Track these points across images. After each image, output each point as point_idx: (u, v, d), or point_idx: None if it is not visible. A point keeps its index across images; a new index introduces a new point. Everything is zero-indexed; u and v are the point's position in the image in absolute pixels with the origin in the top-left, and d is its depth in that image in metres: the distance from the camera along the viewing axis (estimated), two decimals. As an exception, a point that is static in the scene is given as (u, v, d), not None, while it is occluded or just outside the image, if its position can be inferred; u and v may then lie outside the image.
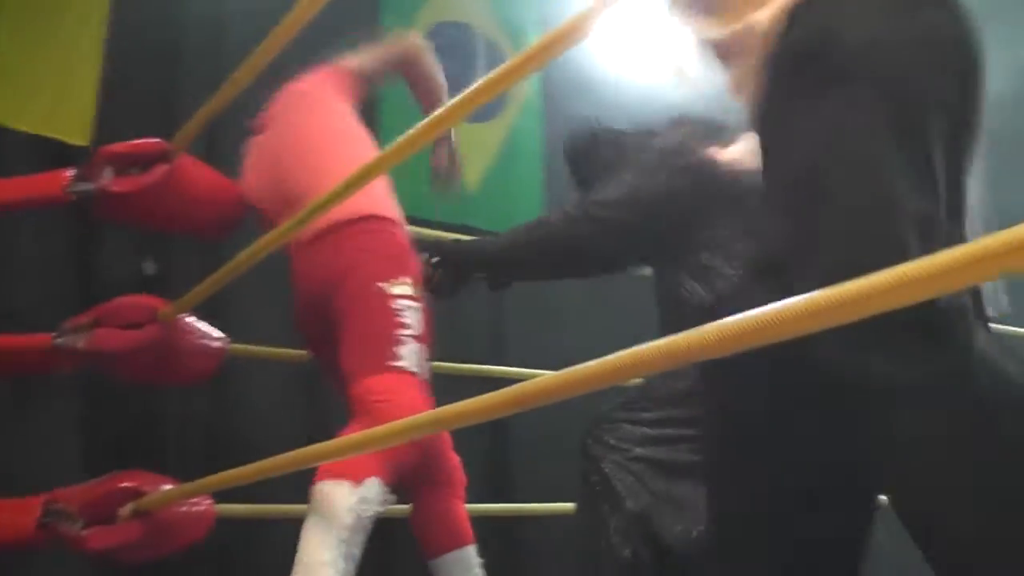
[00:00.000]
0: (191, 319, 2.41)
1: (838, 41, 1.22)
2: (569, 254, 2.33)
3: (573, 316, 3.73)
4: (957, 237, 1.19)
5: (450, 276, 2.42)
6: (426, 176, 3.43)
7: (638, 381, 2.33)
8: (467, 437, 2.42)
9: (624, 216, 2.22)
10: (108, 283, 2.70)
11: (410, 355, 2.10)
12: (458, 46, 3.80)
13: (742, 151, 2.22)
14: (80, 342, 2.26)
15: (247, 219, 2.52)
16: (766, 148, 1.31)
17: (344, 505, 1.89)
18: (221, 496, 2.34)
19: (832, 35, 1.23)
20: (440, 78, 2.68)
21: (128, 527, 2.14)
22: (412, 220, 3.05)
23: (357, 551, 1.91)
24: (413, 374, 2.09)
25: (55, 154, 2.73)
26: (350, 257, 2.21)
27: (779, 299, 0.83)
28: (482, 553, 2.38)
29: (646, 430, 2.11)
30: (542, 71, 3.47)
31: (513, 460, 3.46)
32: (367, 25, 3.54)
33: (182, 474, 2.36)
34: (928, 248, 0.99)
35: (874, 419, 1.12)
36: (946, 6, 1.26)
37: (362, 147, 2.39)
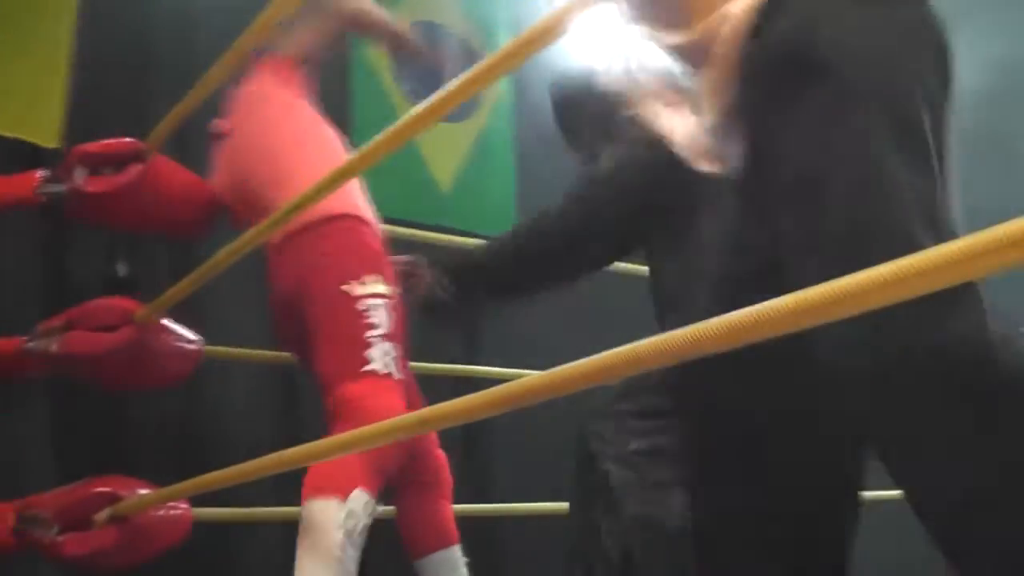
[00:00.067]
0: (166, 321, 2.38)
1: (821, 37, 1.22)
2: (575, 234, 2.25)
3: (548, 315, 3.73)
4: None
5: (449, 288, 2.34)
6: (399, 176, 3.44)
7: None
8: (446, 437, 2.42)
9: (625, 182, 2.16)
10: (79, 285, 2.67)
11: (381, 356, 2.08)
12: (431, 46, 3.79)
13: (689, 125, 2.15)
14: (53, 345, 2.23)
15: (220, 220, 2.49)
16: (755, 148, 1.31)
17: (333, 523, 1.88)
18: (198, 500, 2.32)
19: (814, 31, 1.23)
20: (390, 19, 2.61)
21: (104, 533, 2.12)
22: (386, 220, 3.05)
23: (353, 566, 1.90)
24: (386, 376, 2.07)
25: (26, 156, 2.69)
26: (314, 261, 2.19)
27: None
28: (463, 554, 2.37)
29: (644, 420, 2.09)
30: (513, 71, 3.47)
31: (492, 460, 3.46)
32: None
33: (157, 478, 2.34)
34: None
35: (886, 392, 1.12)
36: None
37: (324, 147, 2.37)
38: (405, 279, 2.32)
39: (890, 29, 1.24)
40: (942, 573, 1.13)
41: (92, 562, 2.12)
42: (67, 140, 2.67)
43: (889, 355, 1.08)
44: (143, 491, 2.21)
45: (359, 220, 2.27)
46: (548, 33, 1.27)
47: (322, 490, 1.92)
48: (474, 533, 2.55)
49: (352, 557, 1.90)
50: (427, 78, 2.85)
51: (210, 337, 2.55)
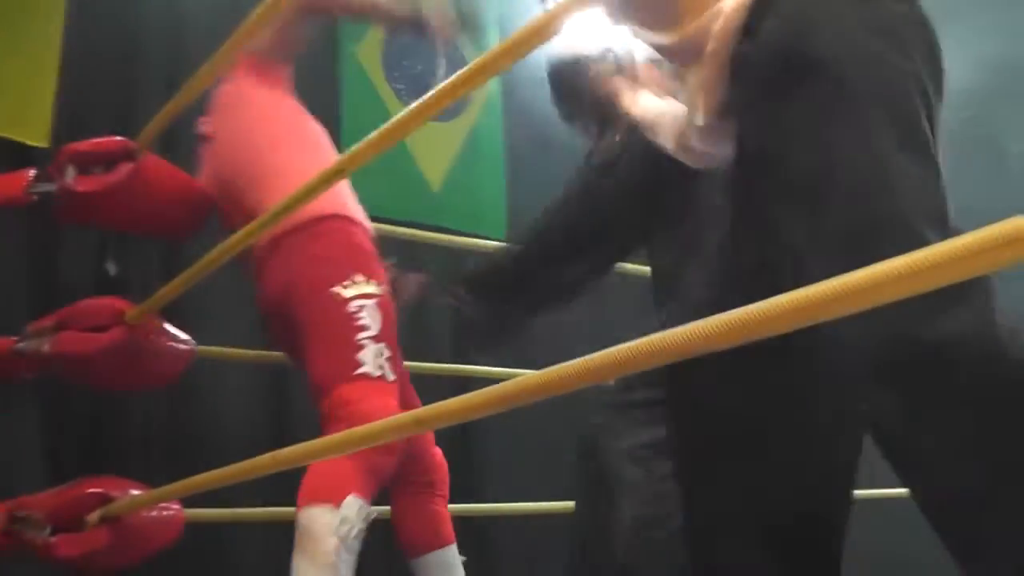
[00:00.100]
0: (158, 321, 2.37)
1: (814, 35, 1.22)
2: (578, 227, 2.21)
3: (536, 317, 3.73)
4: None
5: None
6: (389, 175, 3.44)
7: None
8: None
9: (625, 174, 2.14)
10: (70, 285, 2.66)
11: (373, 358, 2.08)
12: (419, 45, 3.78)
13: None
14: (44, 346, 2.22)
15: (211, 219, 2.49)
16: (750, 146, 1.31)
17: (327, 530, 1.88)
18: (189, 501, 2.31)
19: (807, 29, 1.23)
20: None
21: (96, 534, 2.11)
22: (376, 220, 3.05)
23: (348, 571, 1.90)
24: (379, 378, 2.07)
25: (15, 155, 2.68)
26: (302, 264, 2.18)
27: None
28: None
29: (652, 410, 2.05)
30: (504, 71, 3.47)
31: (483, 460, 3.46)
32: (326, 24, 3.53)
33: (148, 479, 2.33)
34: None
35: (890, 385, 1.12)
36: None
37: (307, 146, 2.37)
38: (392, 284, 2.31)
39: (882, 26, 1.24)
40: (941, 570, 1.13)
41: (84, 563, 2.10)
42: (56, 139, 2.66)
43: (894, 347, 1.08)
44: (135, 492, 2.20)
45: (347, 220, 2.26)
46: (538, 34, 1.27)
47: (316, 497, 1.92)
48: (465, 533, 2.54)
49: (347, 562, 1.90)
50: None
51: (201, 337, 2.54)
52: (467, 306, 2.23)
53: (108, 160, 2.39)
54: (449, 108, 3.55)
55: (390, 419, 1.35)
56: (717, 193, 1.96)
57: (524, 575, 3.24)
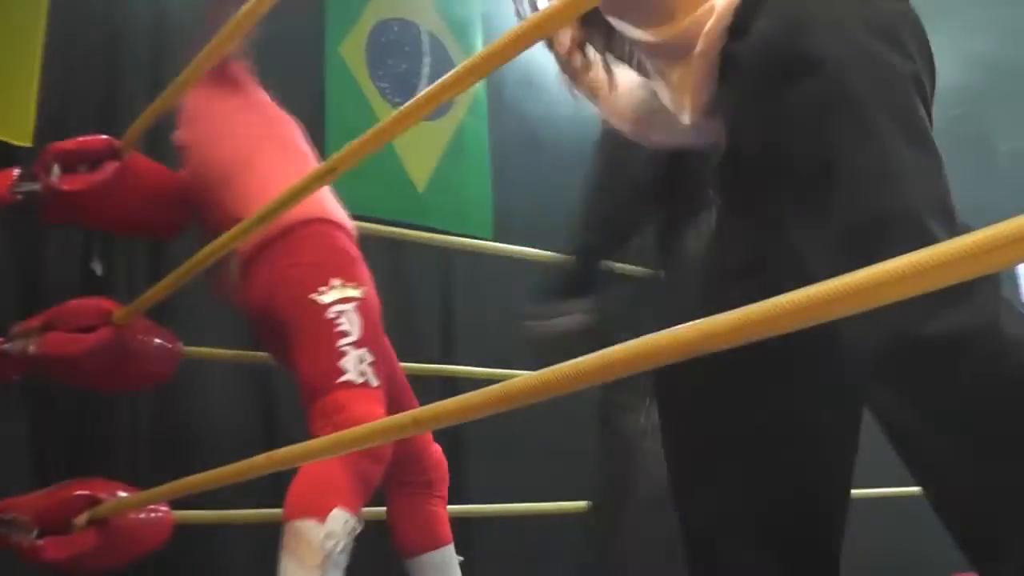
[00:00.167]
0: (145, 321, 2.35)
1: (808, 32, 1.22)
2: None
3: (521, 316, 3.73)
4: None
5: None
6: (375, 175, 3.43)
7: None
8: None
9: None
10: (56, 285, 2.63)
11: (355, 365, 2.04)
12: (404, 43, 3.78)
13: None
14: (31, 347, 2.20)
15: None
16: (743, 144, 1.31)
17: (312, 544, 1.86)
18: (178, 503, 2.30)
19: (800, 27, 1.23)
20: None
21: (84, 536, 2.09)
22: (362, 219, 3.03)
23: None
24: (362, 385, 2.03)
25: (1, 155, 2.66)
26: (281, 272, 2.15)
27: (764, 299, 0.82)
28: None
29: None
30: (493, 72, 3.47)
31: (467, 461, 3.45)
32: (312, 21, 3.52)
33: (135, 480, 2.31)
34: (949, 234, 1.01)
35: (899, 379, 1.12)
36: None
37: (280, 149, 2.34)
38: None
39: (879, 25, 1.24)
40: (941, 569, 1.13)
41: (72, 566, 2.08)
42: (39, 139, 2.64)
43: (896, 343, 1.08)
44: (123, 493, 2.18)
45: (326, 223, 2.23)
46: (528, 36, 1.27)
47: (301, 510, 1.90)
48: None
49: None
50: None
51: (189, 337, 2.53)
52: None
53: (93, 159, 2.37)
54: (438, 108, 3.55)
55: (388, 420, 1.34)
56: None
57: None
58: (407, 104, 1.43)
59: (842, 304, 0.79)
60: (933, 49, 1.30)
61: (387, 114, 1.48)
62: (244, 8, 1.80)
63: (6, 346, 2.22)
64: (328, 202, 2.27)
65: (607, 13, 1.46)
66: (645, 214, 2.23)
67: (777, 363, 1.22)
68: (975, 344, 1.07)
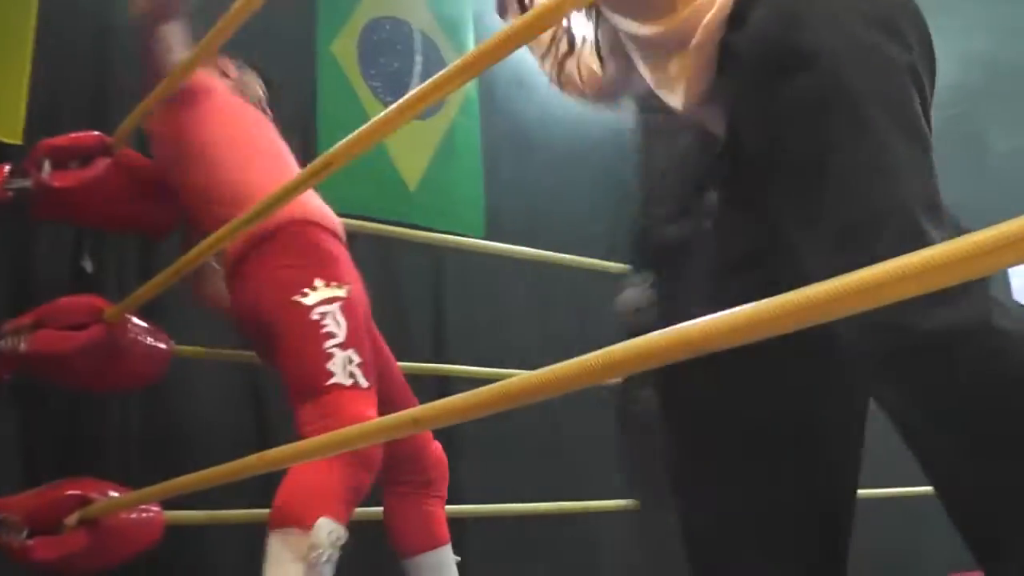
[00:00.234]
0: (136, 320, 2.34)
1: (806, 25, 1.22)
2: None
3: (514, 315, 3.73)
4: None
5: None
6: (366, 173, 3.41)
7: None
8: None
9: None
10: (46, 282, 2.61)
11: (343, 366, 2.02)
12: (395, 42, 3.77)
13: None
14: (22, 344, 2.18)
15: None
16: (739, 137, 1.30)
17: (295, 555, 1.84)
18: (169, 503, 2.28)
19: (798, 19, 1.22)
20: None
21: (74, 536, 2.08)
22: (353, 218, 3.02)
23: None
24: (350, 387, 2.01)
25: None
26: (263, 277, 2.14)
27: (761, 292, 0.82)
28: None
29: None
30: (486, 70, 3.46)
31: (460, 461, 3.44)
32: (304, 19, 3.50)
33: (126, 480, 2.30)
34: (941, 234, 1.00)
35: (899, 375, 1.11)
36: None
37: (257, 155, 2.32)
38: None
39: (878, 16, 1.24)
40: (939, 570, 1.13)
41: (62, 566, 2.07)
42: (29, 136, 2.61)
43: (892, 338, 1.08)
44: (114, 493, 2.17)
45: (306, 223, 2.19)
46: (520, 35, 1.26)
47: (285, 520, 1.88)
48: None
49: None
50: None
51: (179, 336, 2.51)
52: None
53: (85, 155, 2.36)
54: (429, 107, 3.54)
55: (386, 419, 1.32)
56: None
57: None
58: (398, 103, 1.42)
59: (842, 304, 0.78)
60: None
61: (379, 113, 1.46)
62: (236, 4, 1.79)
63: (-4, 344, 2.21)
64: (309, 202, 2.24)
65: (605, 8, 1.46)
66: (695, 189, 2.23)
67: (780, 362, 1.21)
68: (969, 341, 1.06)
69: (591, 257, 3.49)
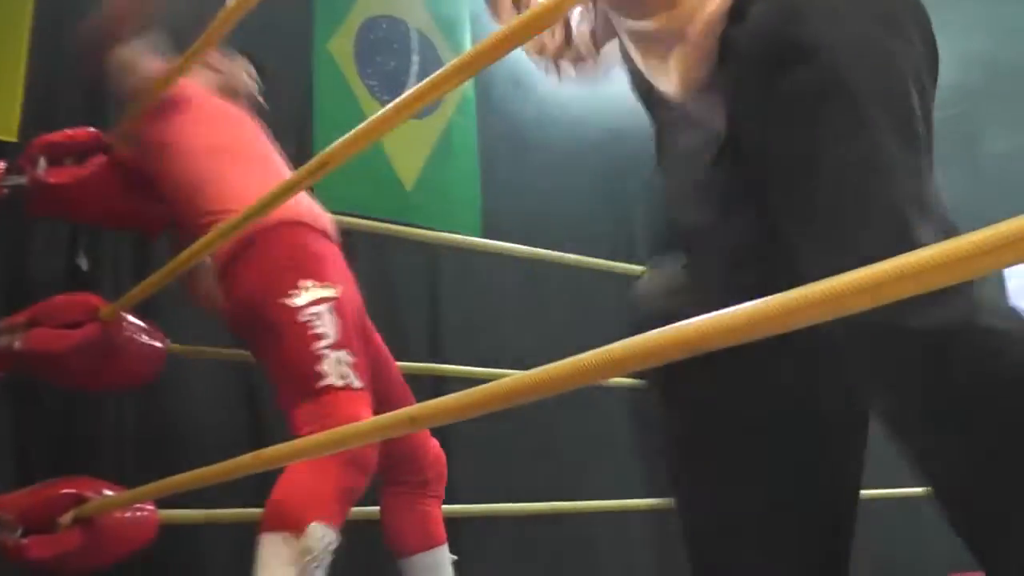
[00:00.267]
0: (132, 318, 2.33)
1: (805, 20, 1.21)
2: None
3: (510, 315, 3.72)
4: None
5: None
6: (362, 172, 3.41)
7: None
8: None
9: None
10: (40, 280, 2.60)
11: (335, 367, 2.00)
12: (392, 41, 3.76)
13: None
14: (16, 342, 2.17)
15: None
16: (737, 129, 1.29)
17: (286, 560, 1.83)
18: (164, 502, 2.27)
19: (798, 14, 1.22)
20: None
21: (69, 535, 2.06)
22: (350, 216, 3.01)
23: None
24: (343, 388, 1.99)
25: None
26: (251, 281, 2.12)
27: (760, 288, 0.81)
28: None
29: None
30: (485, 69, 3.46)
31: (455, 461, 3.44)
32: (300, 18, 3.49)
33: (120, 479, 2.28)
34: (929, 235, 1.00)
35: (889, 375, 1.11)
36: None
37: (246, 155, 2.32)
38: None
39: (879, 11, 1.23)
40: (941, 569, 1.12)
41: (57, 565, 2.05)
42: (26, 133, 2.60)
43: (883, 338, 1.07)
44: (109, 492, 2.15)
45: (292, 225, 2.17)
46: (517, 35, 1.26)
47: (277, 524, 1.86)
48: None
49: None
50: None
51: (175, 335, 2.50)
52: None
53: (80, 152, 2.35)
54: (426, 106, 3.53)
55: (384, 417, 1.31)
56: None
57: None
58: (395, 102, 1.42)
59: (840, 303, 0.78)
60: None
61: (375, 112, 1.45)
62: (231, 2, 1.79)
63: (-9, 342, 2.20)
64: (298, 203, 2.20)
65: (605, 5, 1.45)
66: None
67: (780, 361, 1.21)
68: (955, 340, 1.06)
69: (587, 256, 3.48)
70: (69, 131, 2.37)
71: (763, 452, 1.27)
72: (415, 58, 3.79)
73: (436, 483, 2.34)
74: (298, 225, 2.18)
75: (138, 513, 2.20)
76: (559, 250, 3.38)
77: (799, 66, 1.19)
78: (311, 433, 1.78)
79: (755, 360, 1.10)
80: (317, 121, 3.40)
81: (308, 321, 2.03)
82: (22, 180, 2.27)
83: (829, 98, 1.18)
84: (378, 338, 2.36)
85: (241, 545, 2.35)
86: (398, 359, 2.48)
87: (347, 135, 1.51)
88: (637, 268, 3.66)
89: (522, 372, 1.03)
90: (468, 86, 3.88)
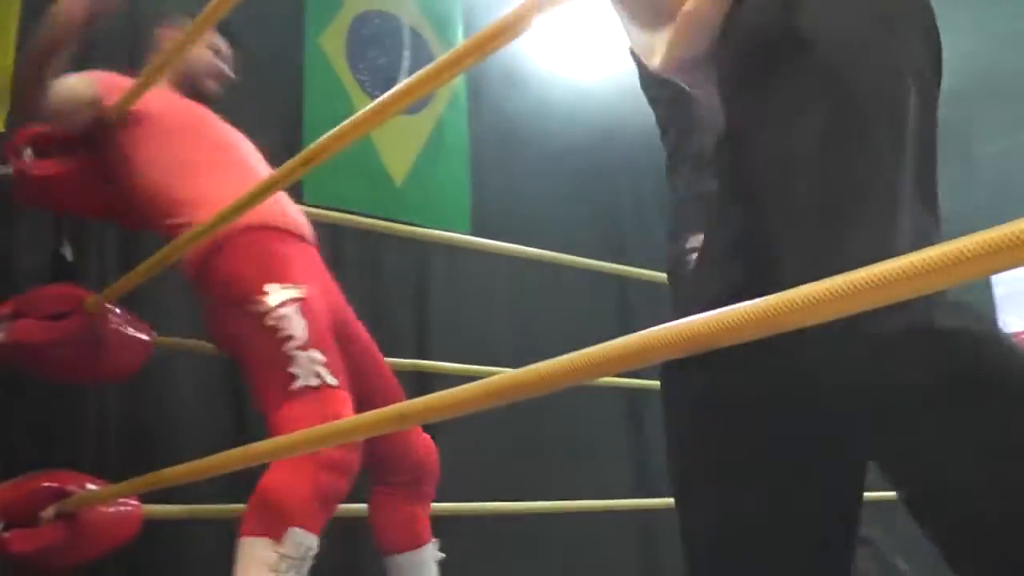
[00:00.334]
0: (117, 310, 2.31)
1: (804, 11, 1.20)
2: None
3: (497, 313, 3.71)
4: (933, 221, 1.20)
5: None
6: (352, 167, 3.39)
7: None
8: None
9: None
10: (24, 271, 2.57)
11: (307, 367, 1.98)
12: (384, 36, 3.75)
13: None
14: (1, 334, 2.15)
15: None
16: (732, 121, 1.28)
17: (264, 566, 1.81)
18: (148, 497, 2.25)
19: (794, 6, 1.21)
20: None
21: (51, 529, 2.05)
22: (339, 211, 3.00)
23: None
24: (318, 387, 1.97)
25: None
26: (216, 292, 2.12)
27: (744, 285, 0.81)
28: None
29: None
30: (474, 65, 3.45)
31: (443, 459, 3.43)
32: (292, 12, 3.48)
33: (103, 473, 2.27)
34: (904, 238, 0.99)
35: (848, 380, 1.11)
36: None
37: (213, 161, 2.29)
38: None
39: (876, 8, 1.22)
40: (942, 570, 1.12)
41: (39, 559, 2.03)
42: (11, 123, 2.57)
43: (840, 342, 1.07)
44: (92, 486, 2.13)
45: (254, 230, 2.13)
46: (507, 31, 1.25)
47: (255, 529, 1.85)
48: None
49: None
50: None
51: (160, 327, 2.48)
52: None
53: (66, 143, 2.33)
54: (414, 102, 3.51)
55: (373, 413, 1.30)
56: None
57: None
58: (385, 95, 1.41)
59: (836, 304, 0.78)
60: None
61: (366, 107, 1.45)
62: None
63: (-25, 333, 2.17)
64: (268, 204, 2.11)
65: None
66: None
67: (781, 358, 1.19)
68: (912, 343, 1.06)
69: (576, 255, 3.47)
70: (55, 122, 2.33)
71: (761, 458, 1.26)
72: (406, 54, 3.78)
73: (424, 481, 2.32)
74: (262, 229, 2.15)
75: (122, 508, 2.18)
76: (548, 249, 3.36)
77: (794, 58, 1.18)
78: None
79: (754, 359, 1.09)
80: (307, 115, 3.38)
81: (275, 324, 2.01)
82: (7, 170, 2.25)
83: (821, 93, 1.17)
84: (365, 335, 2.34)
85: (223, 540, 2.33)
86: (385, 355, 2.47)
87: (336, 129, 1.50)
88: (625, 268, 3.66)
89: (517, 369, 1.02)
90: (460, 82, 3.87)
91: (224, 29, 2.50)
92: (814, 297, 0.77)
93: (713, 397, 1.27)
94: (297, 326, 2.01)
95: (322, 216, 2.98)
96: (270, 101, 3.30)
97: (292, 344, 1.99)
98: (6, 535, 2.02)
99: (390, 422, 1.33)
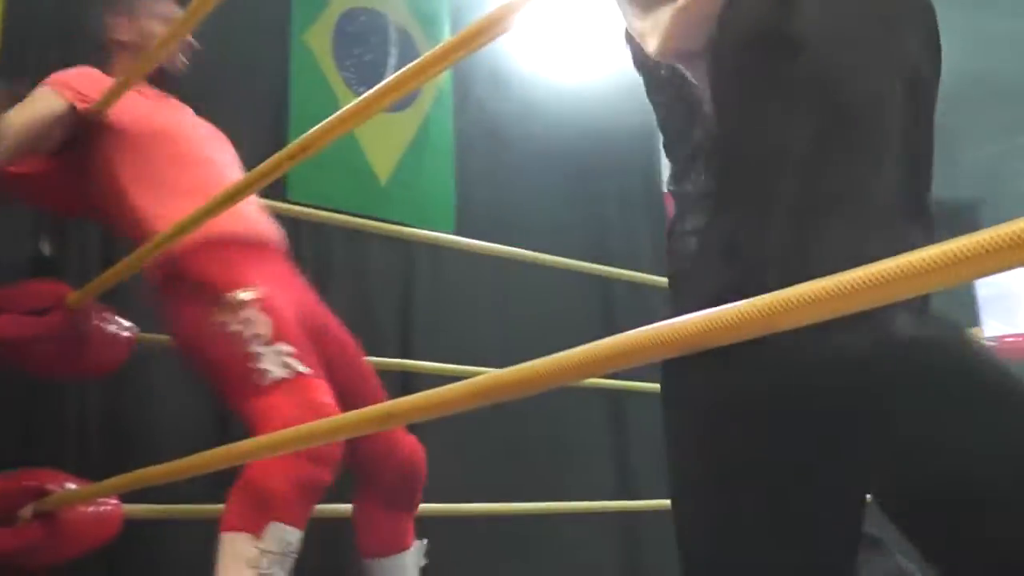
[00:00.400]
0: (99, 306, 2.29)
1: (800, 5, 1.19)
2: None
3: (481, 313, 3.70)
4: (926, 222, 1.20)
5: None
6: (337, 165, 3.38)
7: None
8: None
9: None
10: (3, 266, 2.54)
11: (275, 359, 1.96)
12: (370, 33, 3.73)
13: None
14: (-20, 329, 2.13)
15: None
16: (726, 117, 1.27)
17: (244, 561, 1.79)
18: (128, 496, 2.22)
19: (790, 4, 1.20)
20: None
21: (29, 528, 2.02)
22: (323, 209, 2.99)
23: None
24: (290, 377, 1.95)
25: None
26: (177, 317, 2.13)
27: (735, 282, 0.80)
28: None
29: None
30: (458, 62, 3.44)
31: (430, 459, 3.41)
32: (278, 8, 3.46)
33: (83, 471, 2.24)
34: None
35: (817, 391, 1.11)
36: None
37: (172, 169, 2.26)
38: None
39: (872, 8, 1.22)
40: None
41: (17, 558, 2.01)
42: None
43: (803, 353, 1.07)
44: (71, 485, 2.11)
45: (202, 245, 2.10)
46: (492, 28, 1.24)
47: (235, 525, 1.83)
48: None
49: None
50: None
51: (142, 324, 2.46)
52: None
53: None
54: (400, 99, 3.48)
55: (359, 412, 1.28)
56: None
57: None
58: (371, 91, 1.40)
59: (831, 304, 0.77)
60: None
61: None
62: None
63: (-47, 329, 2.15)
64: (228, 212, 2.00)
65: None
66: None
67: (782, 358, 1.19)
68: (876, 353, 1.07)
69: (561, 255, 3.47)
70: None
71: (761, 462, 1.25)
72: (393, 51, 3.76)
73: (409, 486, 2.29)
74: (209, 245, 2.11)
75: (102, 508, 2.15)
76: (533, 249, 3.36)
77: (786, 55, 1.18)
78: (278, 428, 1.74)
79: (753, 361, 1.09)
80: (292, 111, 3.37)
81: (237, 330, 2.00)
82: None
83: (813, 93, 1.16)
84: (344, 335, 2.31)
85: (204, 540, 2.31)
86: (369, 355, 2.45)
87: (320, 124, 1.49)
88: (610, 269, 3.65)
89: (503, 369, 1.01)
90: (446, 80, 3.86)
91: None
92: (809, 297, 0.77)
93: (714, 397, 1.27)
94: (260, 324, 2.00)
95: (306, 215, 2.97)
96: (256, 98, 3.28)
97: (256, 343, 1.98)
98: (-18, 534, 2.00)
99: (375, 421, 1.32)
